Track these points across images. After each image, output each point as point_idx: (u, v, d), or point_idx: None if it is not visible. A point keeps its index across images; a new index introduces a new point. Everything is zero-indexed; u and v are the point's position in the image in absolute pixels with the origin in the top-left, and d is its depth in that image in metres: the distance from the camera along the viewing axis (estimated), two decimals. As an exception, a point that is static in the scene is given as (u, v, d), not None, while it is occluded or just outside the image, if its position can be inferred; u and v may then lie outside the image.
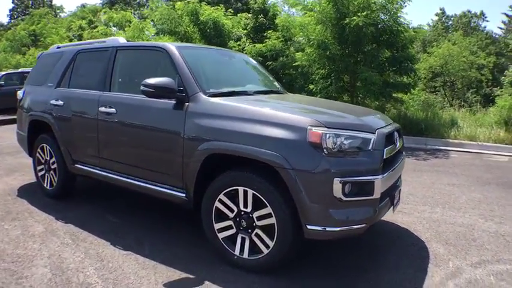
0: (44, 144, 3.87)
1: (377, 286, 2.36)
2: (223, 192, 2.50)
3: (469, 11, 28.15)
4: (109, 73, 3.25)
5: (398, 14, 8.23)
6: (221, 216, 2.56)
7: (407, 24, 8.48)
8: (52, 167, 3.84)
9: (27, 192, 4.16)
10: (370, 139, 2.35)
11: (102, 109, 3.15)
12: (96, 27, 15.07)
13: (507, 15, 24.23)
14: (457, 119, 8.37)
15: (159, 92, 2.62)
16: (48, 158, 3.87)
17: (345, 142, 2.25)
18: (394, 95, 9.18)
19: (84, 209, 3.63)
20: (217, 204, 2.54)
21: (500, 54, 19.69)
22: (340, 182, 2.18)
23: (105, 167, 3.26)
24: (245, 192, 2.42)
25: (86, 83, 3.49)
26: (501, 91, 15.22)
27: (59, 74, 3.77)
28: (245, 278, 2.42)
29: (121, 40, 3.44)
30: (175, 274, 2.46)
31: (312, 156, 2.21)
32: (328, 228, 2.23)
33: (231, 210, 2.51)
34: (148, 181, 2.93)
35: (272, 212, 2.33)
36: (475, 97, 15.90)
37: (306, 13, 8.86)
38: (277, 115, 2.40)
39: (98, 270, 2.48)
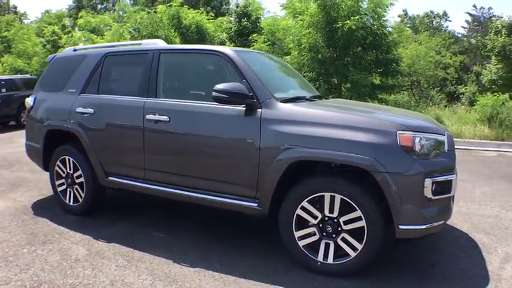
0: (66, 157, 3.52)
1: (449, 276, 2.45)
2: (306, 199, 2.43)
3: (431, 12, 29.29)
4: (153, 78, 3.02)
5: (384, 18, 8.64)
6: (302, 224, 2.49)
7: (391, 27, 8.92)
8: (77, 181, 3.49)
9: (44, 209, 3.74)
10: (444, 140, 2.43)
11: (150, 117, 2.92)
12: (69, 32, 14.16)
13: (470, 15, 25.94)
14: (442, 118, 8.91)
15: (233, 98, 2.49)
16: (71, 172, 3.52)
17: (428, 144, 2.31)
18: (379, 96, 9.60)
19: (119, 225, 3.34)
20: (298, 211, 2.46)
21: (463, 53, 21.25)
22: (430, 182, 2.22)
23: (152, 179, 3.02)
24: (332, 198, 2.38)
25: (121, 88, 3.23)
26: (465, 89, 16.54)
27: (83, 78, 3.45)
28: (330, 282, 2.37)
29: (160, 43, 3.23)
30: (259, 286, 2.34)
31: (405, 159, 2.23)
32: (418, 227, 2.27)
33: (315, 217, 2.45)
34: (213, 193, 2.76)
35: (362, 215, 2.31)
36: (439, 95, 17.06)
37: (298, 16, 8.98)
38: (365, 120, 2.39)
39: (178, 292, 2.29)
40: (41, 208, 3.80)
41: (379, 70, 9.34)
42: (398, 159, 2.23)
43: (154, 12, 10.51)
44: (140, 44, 3.32)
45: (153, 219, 3.52)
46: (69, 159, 3.50)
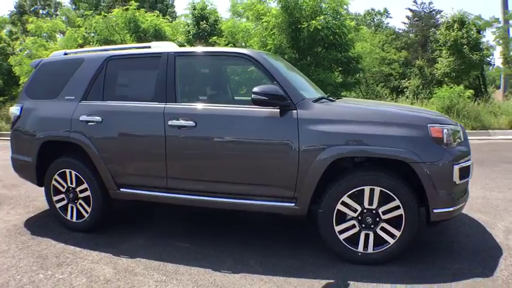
0: (67, 170, 3.21)
1: (470, 250, 2.76)
2: (347, 194, 2.54)
3: (372, 9, 30.41)
4: (171, 82, 2.89)
5: (344, 17, 9.13)
6: (342, 218, 2.60)
7: (349, 26, 9.46)
8: (81, 195, 3.21)
9: (40, 228, 3.38)
10: (460, 130, 2.72)
11: (173, 122, 2.79)
12: (17, 38, 12.65)
13: (411, 10, 27.78)
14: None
15: (271, 99, 2.50)
16: (73, 186, 3.23)
17: (452, 135, 2.55)
18: (342, 94, 10.14)
19: (135, 238, 3.13)
20: (339, 206, 2.56)
21: (404, 48, 22.97)
22: (457, 168, 2.47)
23: (175, 187, 2.89)
24: (371, 191, 2.52)
25: (132, 94, 3.04)
26: (409, 83, 18.00)
27: (82, 84, 3.17)
28: (373, 270, 2.51)
29: (172, 46, 3.10)
30: (315, 283, 2.39)
31: (437, 149, 2.45)
32: (449, 209, 2.50)
33: (354, 210, 2.57)
34: (246, 197, 2.73)
35: (400, 204, 2.48)
36: (384, 90, 18.44)
37: (262, 18, 9.08)
38: (398, 116, 2.57)
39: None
40: (36, 227, 3.44)
41: (339, 68, 9.85)
42: (432, 149, 2.44)
43: (105, 15, 9.96)
44: (149, 47, 3.14)
45: (167, 229, 3.38)
46: (70, 173, 3.20)
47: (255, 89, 2.49)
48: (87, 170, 3.13)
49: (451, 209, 2.51)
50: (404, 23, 28.48)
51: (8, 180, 5.18)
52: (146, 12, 10.24)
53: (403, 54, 19.95)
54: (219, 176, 2.78)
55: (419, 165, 2.40)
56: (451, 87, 9.71)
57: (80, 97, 3.16)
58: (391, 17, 31.47)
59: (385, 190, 2.48)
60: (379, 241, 2.57)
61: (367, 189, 2.51)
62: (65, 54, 3.47)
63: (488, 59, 12.70)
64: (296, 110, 2.60)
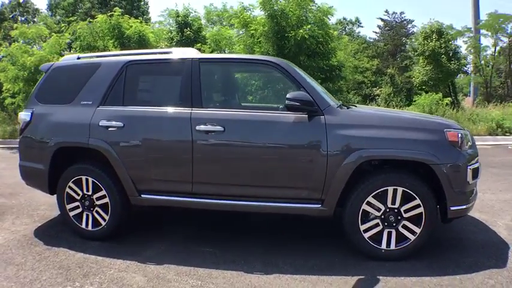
0: (83, 177, 3.13)
1: (479, 245, 3.00)
2: (372, 194, 2.70)
3: (344, 19, 31.16)
4: (196, 87, 2.92)
5: (328, 27, 9.49)
6: (366, 217, 2.76)
7: (332, 35, 9.83)
8: (98, 202, 3.14)
9: (52, 238, 3.26)
10: (468, 135, 2.98)
11: (201, 127, 2.83)
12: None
13: (382, 20, 28.94)
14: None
15: (303, 105, 2.63)
16: (89, 193, 3.15)
17: (464, 138, 2.80)
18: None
19: (156, 245, 3.10)
20: (364, 206, 2.72)
21: (375, 56, 24.05)
22: (470, 169, 2.72)
23: (201, 192, 2.92)
24: (394, 191, 2.70)
25: (154, 99, 3.04)
26: (380, 90, 18.89)
27: (100, 89, 3.12)
28: (397, 265, 2.67)
29: (194, 52, 3.14)
30: (348, 279, 2.50)
31: (453, 152, 2.68)
32: (463, 207, 2.73)
33: (378, 210, 2.74)
34: (273, 199, 2.82)
35: (420, 203, 2.67)
36: (356, 98, 19.21)
37: (251, 26, 9.21)
38: (418, 122, 2.79)
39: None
40: (48, 236, 3.31)
41: (322, 76, 10.19)
42: (449, 152, 2.66)
43: (91, 21, 9.79)
44: (171, 52, 3.16)
45: (185, 234, 3.37)
46: (87, 179, 3.13)
47: (289, 95, 2.61)
48: (106, 176, 3.07)
49: (465, 206, 2.74)
50: (376, 32, 29.83)
51: (4, 189, 4.93)
52: (130, 18, 10.10)
53: (375, 63, 20.97)
54: (247, 179, 2.85)
55: (439, 166, 2.61)
56: (431, 95, 10.37)
57: (97, 102, 3.11)
58: (362, 26, 32.82)
59: (407, 190, 2.67)
60: (400, 238, 2.74)
61: (390, 189, 2.68)
62: (78, 58, 3.40)
63: (465, 67, 13.63)
64: (323, 115, 2.74)
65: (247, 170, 2.85)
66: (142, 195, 3.05)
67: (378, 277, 2.54)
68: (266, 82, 2.96)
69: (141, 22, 10.43)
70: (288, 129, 2.77)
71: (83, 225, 3.20)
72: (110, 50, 9.38)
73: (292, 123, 2.76)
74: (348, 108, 3.01)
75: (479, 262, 2.70)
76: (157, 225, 3.65)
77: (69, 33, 10.16)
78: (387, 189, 2.69)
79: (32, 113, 3.29)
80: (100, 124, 3.03)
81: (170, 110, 2.96)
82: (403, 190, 2.67)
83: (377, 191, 2.69)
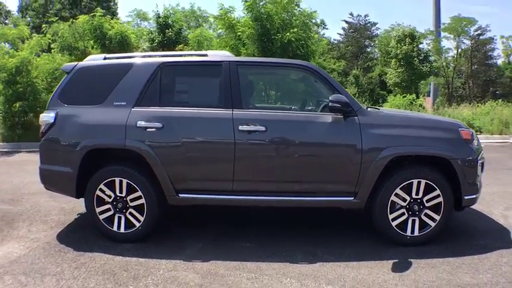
0: (116, 178, 3.11)
1: (484, 231, 3.41)
2: (399, 187, 3.01)
3: (310, 21, 33.04)
4: (236, 89, 3.05)
5: (309, 30, 9.93)
6: (394, 207, 3.05)
7: (314, 38, 10.30)
8: (132, 204, 3.14)
9: (80, 242, 3.20)
10: (473, 132, 3.42)
11: (244, 128, 2.97)
12: None
13: (347, 22, 30.04)
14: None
15: (343, 107, 2.87)
16: (122, 195, 3.13)
17: (474, 136, 3.22)
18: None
19: (192, 243, 3.16)
20: (393, 197, 3.02)
21: (339, 58, 25.07)
22: (480, 163, 3.14)
23: (241, 190, 3.05)
24: (418, 183, 3.02)
25: (191, 100, 3.12)
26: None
27: (135, 90, 3.12)
28: (420, 249, 3.00)
29: (228, 55, 3.26)
30: (384, 263, 2.77)
31: (467, 148, 3.07)
32: (474, 196, 3.13)
33: (404, 200, 3.05)
34: (310, 194, 3.03)
35: (440, 194, 3.02)
36: (323, 99, 19.97)
37: (237, 26, 9.35)
38: (437, 122, 3.18)
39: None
40: (74, 242, 3.23)
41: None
42: (464, 148, 3.05)
43: (73, 21, 9.49)
44: (206, 55, 3.25)
45: (217, 232, 3.47)
46: (120, 181, 3.12)
47: (332, 98, 2.85)
48: (142, 178, 3.09)
49: (475, 195, 3.14)
50: (340, 34, 31.15)
51: (2, 195, 4.67)
52: (112, 19, 9.90)
53: (342, 64, 22.01)
54: (287, 176, 3.04)
55: (456, 160, 2.99)
56: (404, 96, 11.21)
57: (132, 103, 3.12)
58: (327, 28, 34.15)
59: (430, 182, 3.01)
60: (422, 225, 3.08)
61: (415, 181, 3.01)
62: (105, 59, 3.36)
63: (436, 70, 14.75)
64: (357, 116, 3.01)
65: (287, 167, 3.03)
66: (180, 195, 3.11)
67: (409, 260, 2.84)
68: (298, 85, 3.16)
69: (122, 23, 10.24)
70: (325, 129, 3.00)
71: (115, 228, 3.17)
72: (90, 51, 9.09)
73: (329, 123, 3.00)
74: (378, 110, 3.32)
75: (489, 244, 3.11)
76: (186, 225, 3.69)
77: (50, 34, 9.71)
78: (412, 182, 3.01)
79: (56, 115, 3.20)
80: (138, 125, 3.04)
81: (210, 111, 3.06)
82: (425, 182, 3.02)
83: (404, 184, 3.01)
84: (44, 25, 10.41)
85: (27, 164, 6.74)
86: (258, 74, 3.31)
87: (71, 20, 9.77)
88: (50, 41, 9.32)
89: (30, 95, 8.95)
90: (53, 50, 9.57)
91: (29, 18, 22.54)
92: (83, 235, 3.36)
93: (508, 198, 4.46)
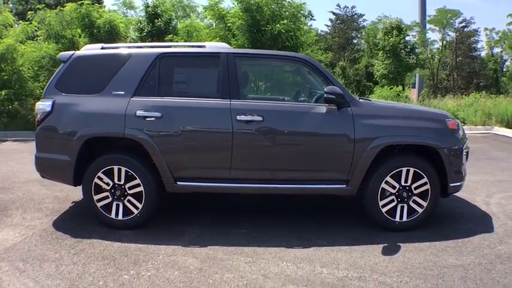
0: (115, 166, 3.15)
1: (469, 217, 3.60)
2: (389, 175, 3.15)
3: (297, 12, 32.91)
4: (233, 80, 3.11)
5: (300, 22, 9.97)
6: (384, 194, 3.20)
7: (303, 30, 10.36)
8: (131, 192, 3.19)
9: (77, 229, 3.23)
10: (459, 123, 3.58)
11: (242, 117, 3.04)
12: None
13: (334, 14, 29.99)
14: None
15: (337, 98, 2.97)
16: (121, 182, 3.18)
17: (459, 126, 3.38)
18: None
19: (189, 230, 3.24)
20: (383, 185, 3.16)
21: (326, 49, 25.12)
22: (464, 152, 3.31)
23: (238, 177, 3.13)
24: (407, 171, 3.17)
25: (190, 90, 3.17)
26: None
27: (134, 80, 3.14)
28: (409, 234, 3.15)
29: (226, 46, 3.30)
30: (375, 247, 2.91)
31: (453, 138, 3.23)
32: (459, 183, 3.30)
33: (393, 187, 3.19)
34: (304, 181, 3.15)
35: (428, 181, 3.18)
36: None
37: (227, 17, 9.31)
38: (425, 113, 3.32)
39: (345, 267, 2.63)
40: (72, 229, 3.26)
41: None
42: (450, 138, 3.20)
43: (61, 9, 9.26)
44: (204, 46, 3.29)
45: (212, 219, 3.55)
46: (119, 169, 3.16)
47: (327, 89, 2.94)
48: (141, 166, 3.13)
49: (460, 183, 3.31)
50: (327, 26, 31.24)
51: None
52: (101, 7, 9.71)
53: (329, 55, 22.10)
54: (282, 164, 3.14)
55: (443, 149, 3.14)
56: (391, 88, 11.42)
57: (131, 93, 3.14)
58: (314, 20, 34.20)
59: (418, 170, 3.16)
60: (410, 211, 3.24)
61: (404, 170, 3.15)
62: (102, 48, 3.35)
63: (422, 62, 14.97)
64: (350, 107, 3.12)
65: (282, 156, 3.13)
66: (178, 183, 3.18)
67: (398, 244, 3.00)
68: (293, 77, 3.24)
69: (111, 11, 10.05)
70: (320, 119, 3.10)
71: (112, 215, 3.22)
72: (77, 40, 8.91)
73: (323, 114, 3.10)
74: (369, 101, 3.44)
75: (472, 229, 3.30)
76: (183, 212, 3.76)
77: (37, 21, 9.46)
78: (401, 170, 3.15)
79: (53, 103, 3.19)
80: (137, 114, 3.07)
81: (209, 101, 3.11)
82: (414, 170, 3.16)
83: (394, 172, 3.15)
84: (29, 12, 10.14)
85: (15, 152, 6.64)
86: (255, 66, 3.37)
87: (58, 7, 9.55)
88: (35, 28, 9.11)
89: (16, 83, 8.75)
90: (39, 38, 9.34)
91: (11, 5, 21.87)
92: (79, 222, 3.40)
93: (490, 186, 4.70)
